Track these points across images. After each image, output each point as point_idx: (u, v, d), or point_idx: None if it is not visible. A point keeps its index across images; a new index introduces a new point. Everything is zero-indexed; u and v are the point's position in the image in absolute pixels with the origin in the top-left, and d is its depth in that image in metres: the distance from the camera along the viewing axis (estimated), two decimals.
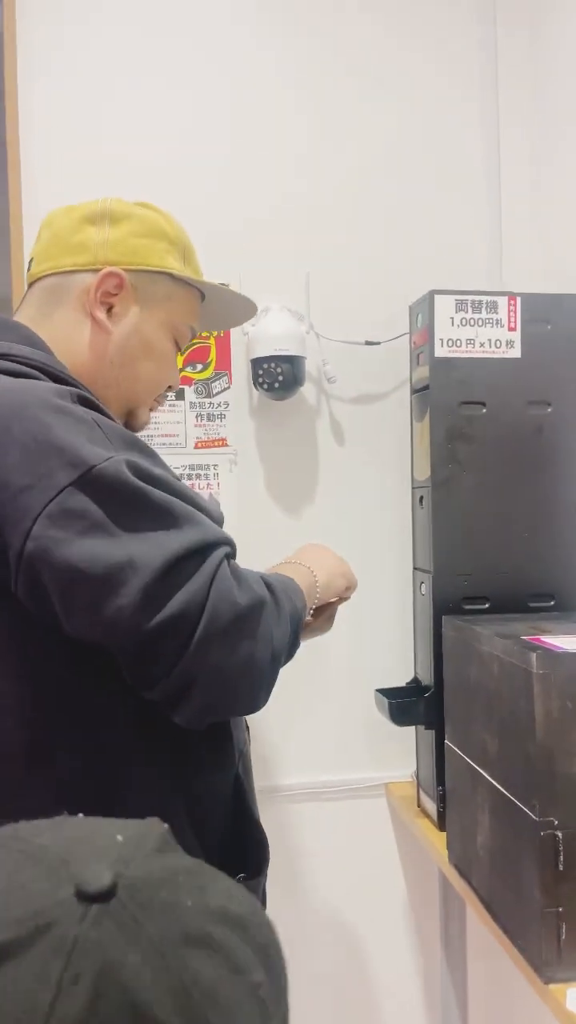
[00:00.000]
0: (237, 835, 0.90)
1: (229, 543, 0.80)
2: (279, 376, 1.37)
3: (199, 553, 0.76)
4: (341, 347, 1.46)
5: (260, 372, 1.38)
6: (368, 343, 1.46)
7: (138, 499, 0.75)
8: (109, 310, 0.92)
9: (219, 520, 0.87)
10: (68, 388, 0.80)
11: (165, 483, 0.79)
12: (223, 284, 1.06)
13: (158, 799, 0.81)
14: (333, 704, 1.48)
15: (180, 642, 0.73)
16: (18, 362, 0.84)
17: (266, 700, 0.82)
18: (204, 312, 1.03)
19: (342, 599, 1.05)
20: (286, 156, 1.48)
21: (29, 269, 0.96)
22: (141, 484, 0.76)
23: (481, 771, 1.02)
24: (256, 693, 0.81)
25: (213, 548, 0.77)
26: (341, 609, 1.51)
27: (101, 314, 0.91)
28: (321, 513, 1.49)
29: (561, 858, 0.86)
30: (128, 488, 0.75)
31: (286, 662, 0.84)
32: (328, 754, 1.48)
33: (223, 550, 0.78)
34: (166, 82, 1.45)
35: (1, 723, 0.77)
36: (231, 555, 0.80)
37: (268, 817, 1.44)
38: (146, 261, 0.94)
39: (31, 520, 0.72)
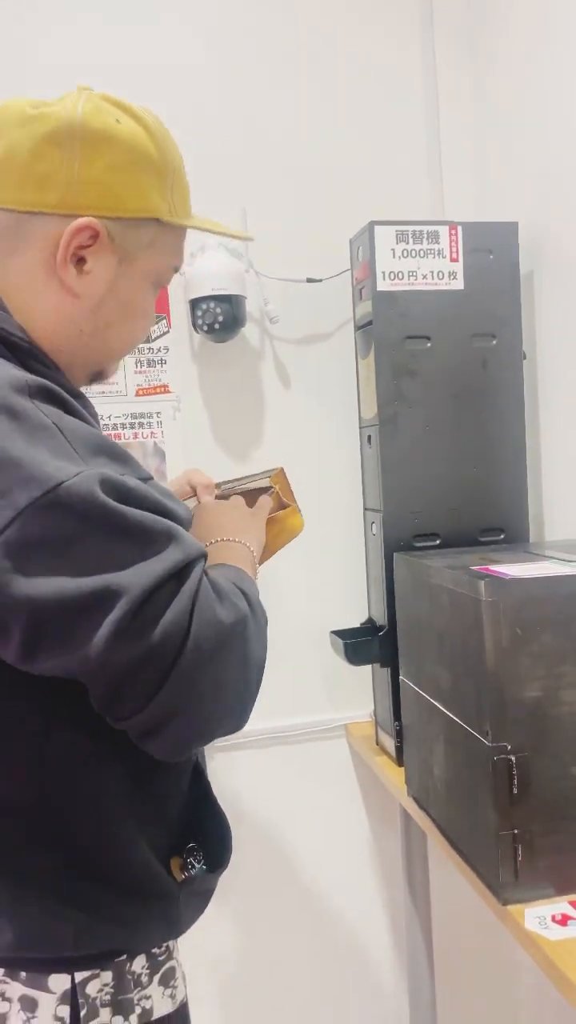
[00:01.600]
0: (197, 822, 0.87)
1: (203, 554, 0.72)
2: (219, 317, 1.33)
3: (179, 575, 0.68)
4: (282, 285, 1.42)
5: (199, 313, 1.34)
6: (310, 280, 1.43)
7: (111, 522, 0.65)
8: (80, 264, 0.75)
9: (188, 522, 0.80)
10: (25, 379, 0.68)
11: (139, 495, 0.69)
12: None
13: (118, 804, 0.77)
14: (290, 649, 1.48)
15: (159, 673, 0.66)
16: None
17: (248, 718, 0.76)
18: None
19: None
20: (221, 90, 1.42)
21: None
22: (115, 506, 0.66)
23: (435, 703, 1.02)
24: (239, 715, 0.75)
25: (191, 565, 0.69)
26: (295, 552, 1.50)
27: (70, 275, 0.75)
28: (269, 457, 1.46)
29: (515, 782, 0.87)
30: (100, 510, 0.65)
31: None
32: (287, 699, 1.49)
33: (201, 564, 0.70)
34: (102, 18, 1.37)
35: None
36: (203, 566, 0.72)
37: (232, 764, 1.45)
38: (128, 206, 0.76)
39: None
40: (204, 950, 1.46)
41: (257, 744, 1.47)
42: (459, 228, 1.25)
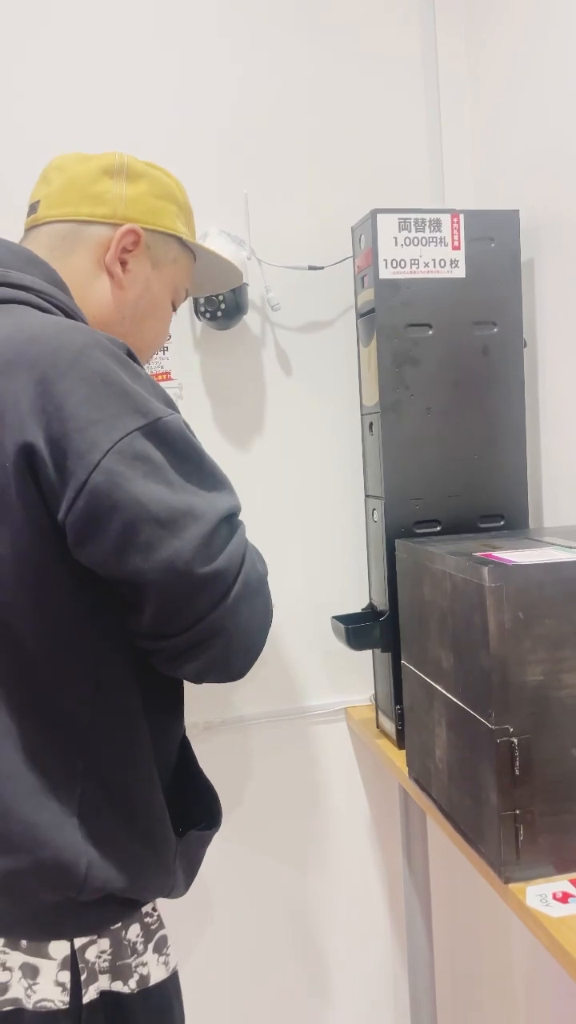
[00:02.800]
0: (187, 791, 0.94)
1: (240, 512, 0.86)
2: (221, 305, 1.34)
3: (233, 518, 0.81)
4: (284, 273, 1.42)
5: (201, 301, 1.35)
6: (312, 268, 1.43)
7: (193, 456, 0.80)
8: (123, 266, 0.94)
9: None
10: (117, 340, 0.82)
11: (203, 447, 0.84)
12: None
13: (137, 747, 0.84)
14: (292, 634, 1.49)
15: (218, 596, 0.78)
16: (47, 300, 0.86)
17: (249, 668, 0.86)
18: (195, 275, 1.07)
19: None
20: (222, 76, 1.42)
21: (34, 212, 0.97)
22: (197, 443, 0.81)
23: (437, 686, 1.04)
24: (253, 659, 0.85)
25: (239, 516, 0.83)
26: (296, 539, 1.52)
27: (118, 269, 0.93)
28: (271, 444, 1.48)
29: (517, 763, 0.88)
30: (186, 444, 0.80)
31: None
32: (288, 682, 1.50)
33: (241, 520, 0.84)
34: (95, 2, 1.37)
35: (14, 642, 0.79)
36: None
37: (232, 746, 1.47)
38: (161, 222, 0.97)
39: (101, 453, 0.74)
40: (203, 928, 1.48)
41: (257, 727, 1.48)
42: (461, 216, 1.26)
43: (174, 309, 1.04)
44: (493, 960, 1.61)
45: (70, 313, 0.87)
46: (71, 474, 0.74)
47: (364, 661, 1.46)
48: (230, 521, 0.80)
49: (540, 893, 0.87)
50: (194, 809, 0.94)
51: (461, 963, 1.60)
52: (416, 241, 1.24)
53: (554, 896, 0.87)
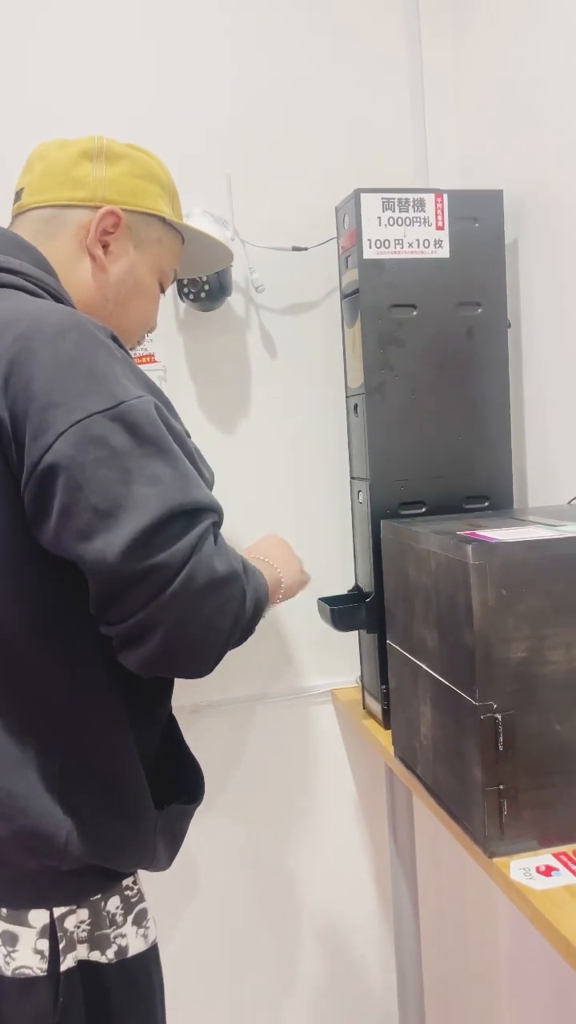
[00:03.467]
0: (171, 765, 0.96)
1: (218, 512, 0.83)
2: (205, 286, 1.33)
3: (192, 514, 0.78)
4: (268, 254, 1.42)
5: (185, 282, 1.34)
6: (296, 249, 1.42)
7: (156, 442, 0.78)
8: (105, 248, 0.94)
9: (211, 484, 0.90)
10: (103, 326, 0.83)
11: (178, 437, 0.82)
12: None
13: (116, 722, 0.85)
14: (277, 616, 1.50)
15: (153, 591, 0.75)
16: (35, 284, 0.87)
17: (211, 670, 0.84)
18: (184, 256, 1.06)
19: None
20: (206, 58, 1.41)
21: (18, 200, 0.98)
22: (162, 428, 0.79)
23: (422, 665, 1.04)
24: (206, 659, 0.82)
25: (205, 513, 0.80)
26: (282, 522, 1.52)
27: (99, 251, 0.94)
28: (256, 427, 1.47)
29: (501, 739, 0.89)
30: (152, 430, 0.78)
31: (237, 644, 0.86)
32: (274, 665, 1.51)
33: (212, 518, 0.81)
34: None
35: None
36: (218, 523, 0.83)
37: (218, 727, 1.47)
38: (142, 203, 0.96)
39: (55, 435, 0.74)
40: (189, 904, 1.49)
41: (244, 709, 1.49)
42: (445, 196, 1.26)
43: (162, 290, 1.04)
44: (477, 933, 1.63)
45: (58, 297, 0.89)
46: (27, 454, 0.75)
47: (350, 643, 1.46)
48: (189, 516, 0.77)
49: (524, 867, 0.88)
50: (177, 783, 0.95)
51: (446, 936, 1.62)
52: (400, 221, 1.24)
53: (537, 870, 0.88)
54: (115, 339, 0.83)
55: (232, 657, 1.47)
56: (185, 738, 1.00)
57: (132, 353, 0.96)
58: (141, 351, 1.41)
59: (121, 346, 0.84)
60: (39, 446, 0.74)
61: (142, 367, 1.42)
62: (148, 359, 1.42)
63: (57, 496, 0.74)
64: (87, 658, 0.83)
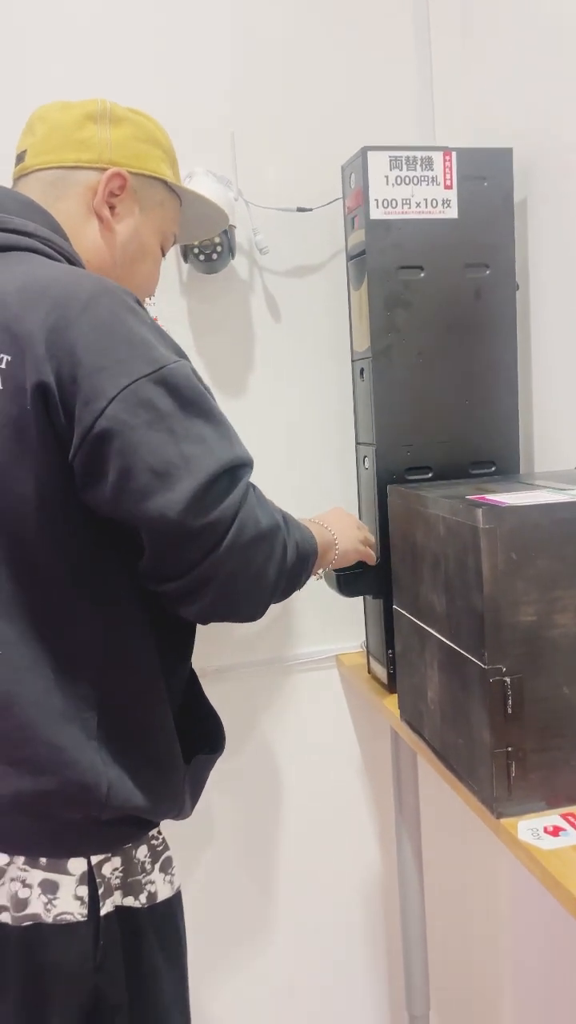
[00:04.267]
0: (196, 718, 1.01)
1: (252, 465, 0.87)
2: (217, 247, 1.31)
3: (237, 469, 0.83)
4: (272, 215, 1.39)
5: (197, 243, 1.31)
6: (300, 209, 1.40)
7: (199, 404, 0.82)
8: (111, 210, 0.96)
9: None
10: (129, 291, 0.85)
11: (211, 395, 0.86)
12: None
13: (149, 675, 0.89)
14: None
15: (208, 546, 0.80)
16: (51, 247, 0.89)
17: (262, 614, 0.91)
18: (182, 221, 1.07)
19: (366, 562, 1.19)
20: (209, 15, 1.37)
21: (21, 162, 0.97)
22: (200, 389, 0.83)
23: (430, 630, 1.04)
24: (256, 606, 0.89)
25: (244, 469, 0.85)
26: (287, 488, 1.51)
27: (107, 212, 0.95)
28: (261, 392, 1.46)
29: (509, 702, 0.90)
30: (193, 393, 0.82)
31: (284, 595, 0.93)
32: (280, 631, 1.51)
33: (249, 472, 0.86)
34: None
35: (36, 576, 0.83)
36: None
37: (226, 692, 1.48)
38: (146, 166, 0.98)
39: (106, 400, 0.77)
40: (202, 857, 1.51)
41: (249, 675, 1.50)
42: (453, 154, 1.23)
43: (163, 254, 1.05)
44: (480, 893, 1.65)
45: (72, 260, 0.90)
46: (78, 420, 0.78)
47: (355, 608, 1.46)
48: (232, 473, 0.82)
49: (532, 827, 0.89)
50: (199, 735, 1.00)
51: (449, 896, 1.64)
52: (407, 180, 1.22)
53: (545, 830, 0.89)
54: (139, 303, 0.86)
55: (238, 624, 1.48)
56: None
57: None
58: None
59: (144, 309, 0.86)
60: (91, 411, 0.77)
61: None
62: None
63: (113, 459, 0.78)
64: (122, 612, 0.87)
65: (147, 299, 1.10)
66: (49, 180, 0.95)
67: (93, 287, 0.81)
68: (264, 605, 0.89)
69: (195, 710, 1.01)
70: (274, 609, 1.51)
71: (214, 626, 1.39)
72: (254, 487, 0.86)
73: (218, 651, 1.47)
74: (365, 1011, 1.62)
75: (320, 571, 1.08)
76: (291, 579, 0.92)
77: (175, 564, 0.82)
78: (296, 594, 1.49)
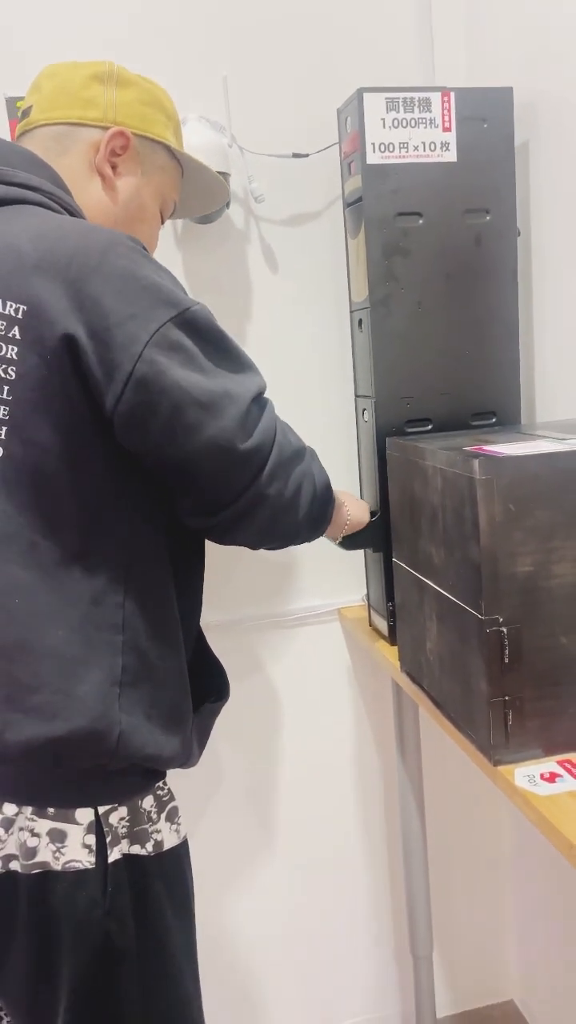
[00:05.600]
0: (203, 668, 1.03)
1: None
2: None
3: (262, 397, 0.90)
4: (267, 161, 1.36)
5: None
6: (296, 155, 1.36)
7: (221, 342, 0.87)
8: (113, 168, 0.97)
9: None
10: (136, 239, 0.87)
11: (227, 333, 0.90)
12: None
13: (168, 624, 0.92)
14: None
15: (256, 469, 0.87)
16: (55, 201, 0.90)
17: (303, 537, 1.00)
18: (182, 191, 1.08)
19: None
20: None
21: (26, 116, 0.98)
22: (223, 330, 0.88)
23: (428, 582, 1.05)
24: (300, 524, 0.96)
25: (266, 396, 0.92)
26: None
27: (108, 170, 0.96)
28: (258, 345, 1.44)
29: (506, 652, 0.90)
30: (215, 332, 0.87)
31: (313, 526, 1.00)
32: (281, 585, 1.52)
33: (268, 397, 0.92)
34: None
35: (56, 524, 0.85)
36: None
37: (230, 646, 1.49)
38: (150, 129, 0.99)
39: (141, 344, 0.80)
40: (208, 805, 1.54)
41: (253, 629, 1.51)
42: (452, 95, 1.19)
43: (162, 220, 1.05)
44: (482, 841, 1.69)
45: (75, 215, 0.92)
46: (117, 366, 0.80)
47: (356, 562, 1.47)
48: (259, 400, 0.89)
49: (528, 774, 0.90)
50: (206, 684, 1.02)
51: (451, 844, 1.68)
52: (405, 123, 1.18)
53: (542, 776, 0.90)
54: (145, 249, 0.87)
55: (240, 577, 1.49)
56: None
57: None
58: None
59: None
60: (129, 357, 0.80)
61: None
62: None
63: (161, 399, 0.81)
64: (143, 561, 0.89)
65: None
66: (53, 136, 0.96)
67: (107, 238, 0.83)
68: (316, 524, 0.98)
69: (201, 660, 1.03)
70: (275, 563, 1.53)
71: (218, 581, 1.40)
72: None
73: (222, 606, 1.48)
74: (369, 953, 1.67)
75: (337, 535, 1.14)
76: (322, 506, 0.98)
77: (227, 491, 0.87)
78: (298, 548, 1.51)
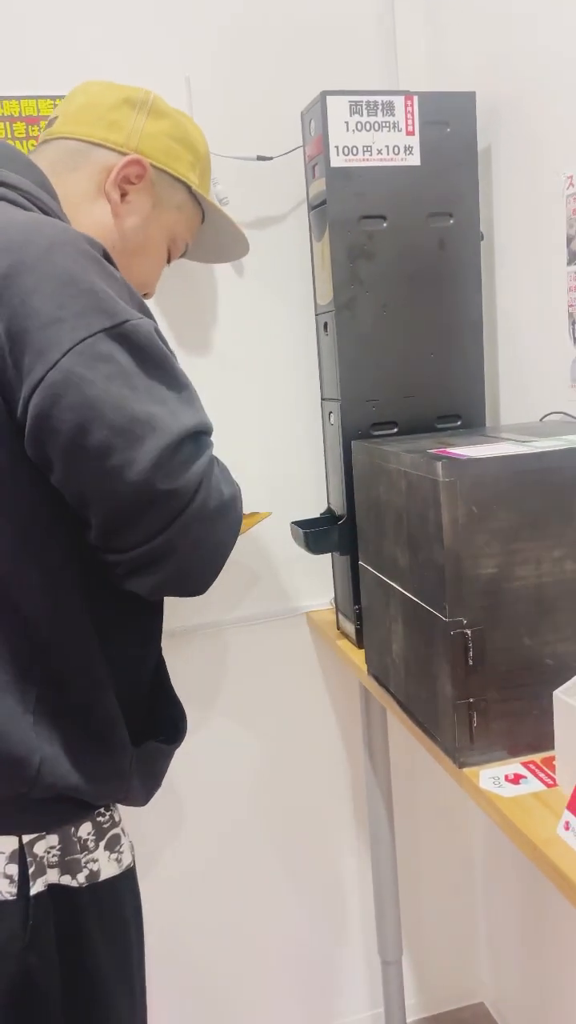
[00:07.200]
0: (154, 706, 0.96)
1: (211, 432, 0.84)
2: None
3: (202, 436, 0.80)
4: (231, 164, 1.35)
5: None
6: (260, 158, 1.36)
7: (162, 364, 0.77)
8: (123, 196, 0.94)
9: None
10: (94, 239, 0.80)
11: (175, 360, 0.81)
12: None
13: (92, 654, 0.84)
14: (252, 541, 1.49)
15: (171, 515, 0.76)
16: (29, 199, 0.85)
17: (211, 586, 0.87)
18: (198, 237, 1.06)
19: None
20: None
21: (50, 127, 0.97)
22: (166, 352, 0.78)
23: (394, 584, 1.04)
24: (213, 576, 0.85)
25: (208, 436, 0.81)
26: (254, 446, 1.49)
27: (116, 195, 0.93)
28: (225, 349, 1.44)
29: (470, 654, 0.90)
30: (156, 351, 0.77)
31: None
32: (249, 589, 1.51)
33: (211, 441, 0.83)
34: None
35: None
36: None
37: (195, 652, 1.48)
38: (172, 165, 0.97)
39: (61, 352, 0.71)
40: (173, 826, 1.53)
41: (220, 633, 1.50)
42: (415, 98, 1.20)
43: (169, 260, 1.02)
44: (450, 842, 1.69)
45: (50, 214, 0.87)
46: (28, 371, 0.72)
47: (324, 566, 1.46)
48: (196, 439, 0.78)
49: (493, 776, 0.90)
50: (158, 723, 0.95)
51: (420, 846, 1.68)
52: (368, 126, 1.18)
53: (506, 778, 0.90)
54: (107, 257, 0.81)
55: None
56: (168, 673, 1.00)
57: None
58: None
59: (113, 264, 0.82)
60: (43, 363, 0.72)
61: None
62: None
63: (66, 414, 0.72)
64: (70, 587, 0.82)
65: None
66: (69, 150, 0.94)
67: (56, 233, 0.76)
68: (215, 578, 0.85)
69: (155, 695, 0.97)
70: (243, 567, 1.52)
71: None
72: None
73: (189, 611, 1.47)
74: (338, 958, 1.66)
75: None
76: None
77: (132, 532, 0.76)
78: (265, 551, 1.50)
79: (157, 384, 0.76)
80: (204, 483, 0.77)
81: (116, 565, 0.80)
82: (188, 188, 0.99)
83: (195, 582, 0.84)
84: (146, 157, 0.94)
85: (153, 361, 0.77)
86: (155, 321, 0.81)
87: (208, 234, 1.06)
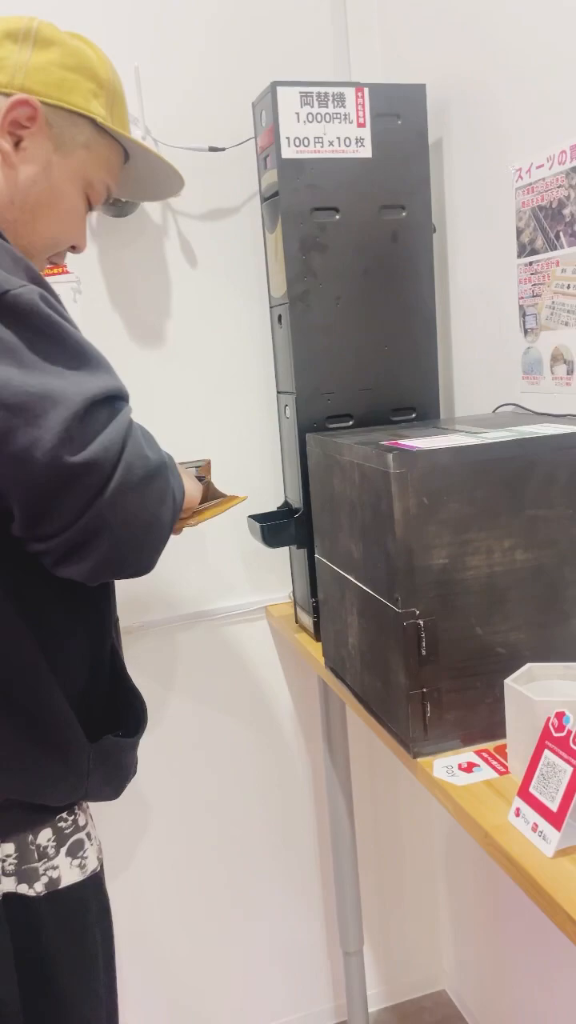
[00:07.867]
0: (113, 699, 0.92)
1: (128, 399, 0.76)
2: None
3: (112, 401, 0.72)
4: (183, 155, 1.34)
5: None
6: (213, 149, 1.35)
7: (53, 332, 0.70)
8: (17, 143, 0.82)
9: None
10: None
11: (72, 323, 0.74)
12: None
13: (32, 654, 0.80)
14: (210, 535, 1.48)
15: (93, 491, 0.69)
16: None
17: (155, 565, 0.80)
18: (125, 175, 0.94)
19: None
20: None
21: None
22: (57, 317, 0.71)
23: (348, 577, 1.04)
24: (153, 553, 0.79)
25: (123, 400, 0.75)
26: (210, 440, 1.48)
27: (6, 143, 0.81)
28: (179, 341, 1.42)
29: (423, 644, 0.90)
30: (44, 319, 0.70)
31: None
32: (208, 584, 1.50)
33: (129, 406, 0.75)
34: None
35: None
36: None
37: (154, 647, 1.47)
38: (68, 98, 0.84)
39: None
40: (137, 827, 1.52)
41: (179, 628, 1.49)
42: (365, 90, 1.20)
43: (90, 207, 0.91)
44: (410, 831, 1.70)
45: None
46: None
47: (282, 559, 1.46)
48: (109, 404, 0.72)
49: (447, 765, 0.91)
50: (120, 716, 0.93)
51: (380, 836, 1.69)
52: (319, 117, 1.18)
53: (460, 767, 0.90)
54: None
55: (166, 576, 1.46)
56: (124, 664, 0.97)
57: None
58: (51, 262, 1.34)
59: (3, 237, 0.75)
60: None
61: (52, 279, 1.36)
62: (60, 270, 1.34)
63: None
64: (5, 587, 0.78)
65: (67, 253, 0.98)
66: None
67: None
68: (159, 552, 0.79)
69: (112, 690, 0.93)
70: (201, 561, 1.51)
71: (143, 580, 1.37)
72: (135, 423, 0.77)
73: (148, 606, 1.46)
74: (300, 949, 1.66)
75: (194, 520, 0.97)
76: (174, 522, 0.81)
77: (53, 516, 0.70)
78: (224, 545, 1.50)
79: (49, 353, 0.70)
80: (125, 451, 0.71)
81: (46, 554, 0.74)
82: (94, 121, 0.86)
83: (135, 561, 0.77)
84: (35, 95, 0.81)
85: (41, 330, 0.70)
86: (46, 287, 0.74)
87: (139, 170, 0.95)
